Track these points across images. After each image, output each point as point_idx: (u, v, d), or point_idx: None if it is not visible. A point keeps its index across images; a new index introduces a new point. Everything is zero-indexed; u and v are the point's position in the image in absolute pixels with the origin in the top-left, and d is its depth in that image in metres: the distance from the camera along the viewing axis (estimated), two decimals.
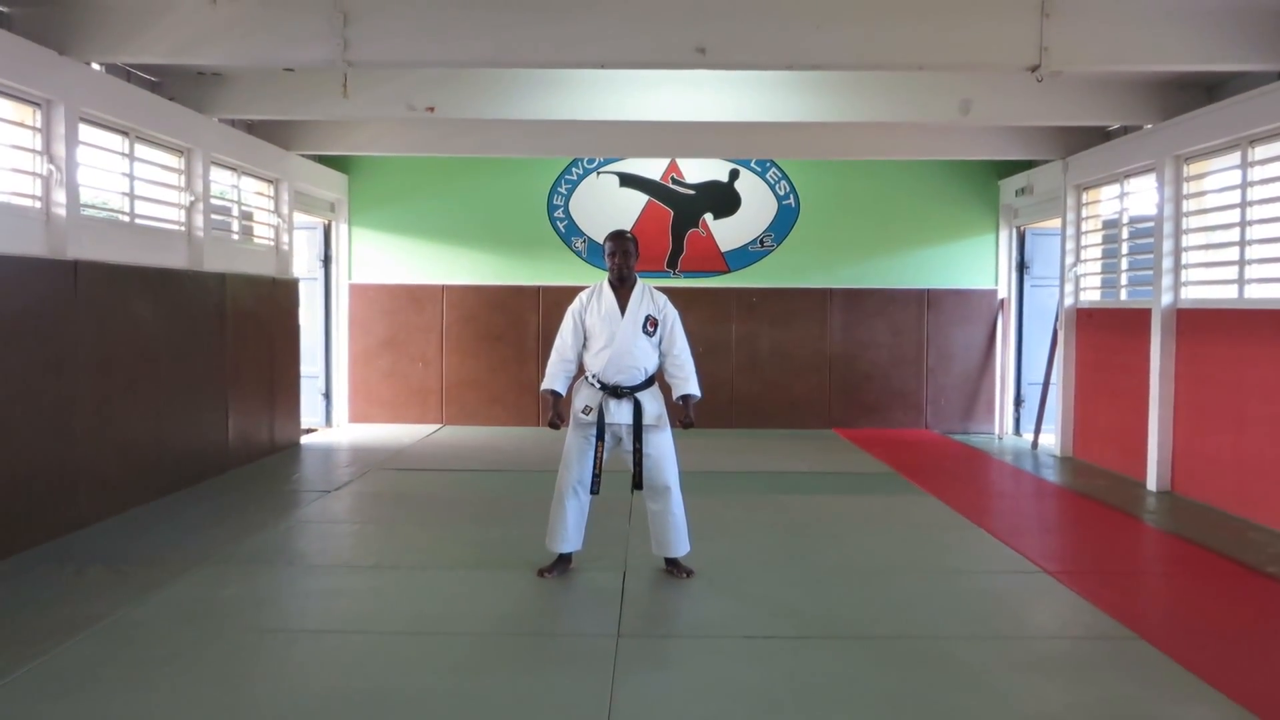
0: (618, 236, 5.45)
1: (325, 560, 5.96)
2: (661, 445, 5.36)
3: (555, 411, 5.45)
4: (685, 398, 5.42)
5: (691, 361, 5.47)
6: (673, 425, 5.46)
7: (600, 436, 5.31)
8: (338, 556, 6.05)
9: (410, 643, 4.48)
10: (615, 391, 5.31)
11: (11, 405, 5.76)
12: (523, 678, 4.07)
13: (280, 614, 5.02)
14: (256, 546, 6.10)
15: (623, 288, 5.41)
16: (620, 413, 5.31)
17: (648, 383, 5.37)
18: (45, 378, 6.08)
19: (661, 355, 5.43)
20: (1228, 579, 5.64)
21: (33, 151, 6.31)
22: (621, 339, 5.29)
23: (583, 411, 5.34)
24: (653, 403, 5.37)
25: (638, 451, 5.31)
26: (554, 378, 5.45)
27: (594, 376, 5.36)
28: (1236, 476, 7.20)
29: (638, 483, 5.38)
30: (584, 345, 5.43)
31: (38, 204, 6.33)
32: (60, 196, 6.39)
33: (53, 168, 6.36)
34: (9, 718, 3.61)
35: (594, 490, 5.39)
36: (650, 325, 5.34)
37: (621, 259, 5.38)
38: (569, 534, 5.40)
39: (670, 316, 5.43)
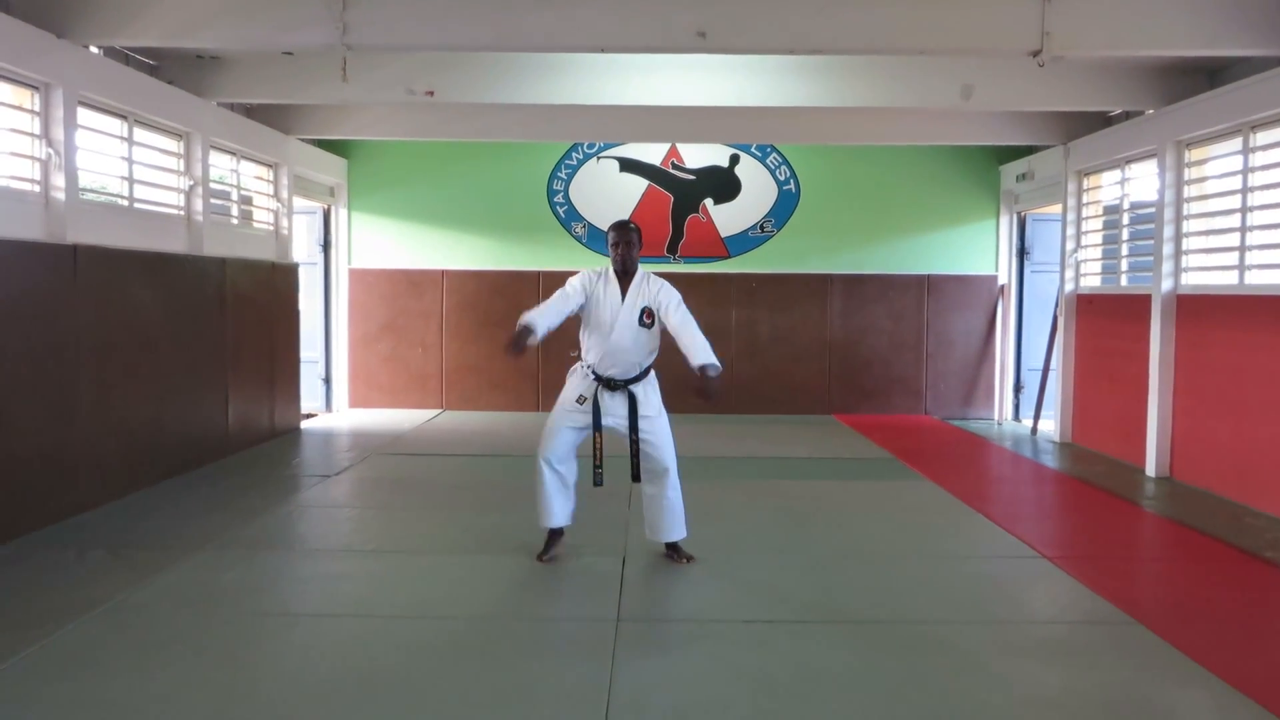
0: (621, 227, 5.38)
1: (325, 545, 5.98)
2: (659, 430, 5.35)
3: (520, 342, 4.99)
4: (702, 368, 5.10)
5: (701, 334, 5.20)
6: (694, 398, 5.20)
7: (598, 427, 5.30)
8: (338, 541, 6.06)
9: (410, 627, 4.49)
10: (609, 384, 5.30)
11: (12, 390, 5.76)
12: (522, 662, 4.08)
13: (280, 598, 5.03)
14: (257, 531, 6.12)
15: (625, 277, 5.37)
16: (615, 405, 5.30)
17: (642, 375, 5.35)
18: (45, 362, 6.08)
19: (674, 337, 5.27)
20: (1225, 564, 5.66)
21: (31, 135, 6.29)
22: (619, 330, 5.25)
23: (577, 401, 5.33)
24: (650, 394, 5.35)
25: (634, 444, 5.31)
26: (539, 317, 5.09)
27: (589, 367, 5.35)
28: (1235, 462, 7.21)
29: (636, 475, 5.39)
30: (582, 321, 5.36)
31: (37, 188, 6.31)
32: (59, 180, 6.37)
33: (51, 151, 6.35)
34: (11, 700, 3.63)
35: (597, 483, 5.37)
36: (647, 317, 5.27)
37: (625, 249, 5.31)
38: (555, 509, 5.39)
39: (665, 301, 5.26)
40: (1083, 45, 6.51)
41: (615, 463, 5.51)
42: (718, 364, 5.12)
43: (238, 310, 8.74)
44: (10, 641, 4.11)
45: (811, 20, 6.41)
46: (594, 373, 5.32)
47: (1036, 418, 10.78)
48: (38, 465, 6.00)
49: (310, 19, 6.35)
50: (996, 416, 11.88)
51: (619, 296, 5.30)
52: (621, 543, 5.80)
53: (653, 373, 5.43)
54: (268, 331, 9.47)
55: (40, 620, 4.36)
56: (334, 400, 11.85)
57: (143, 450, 7.20)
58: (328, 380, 11.84)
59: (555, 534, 5.50)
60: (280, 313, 9.80)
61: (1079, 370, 9.85)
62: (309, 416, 11.08)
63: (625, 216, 11.76)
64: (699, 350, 5.15)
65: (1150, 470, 8.15)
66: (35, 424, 5.98)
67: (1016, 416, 11.72)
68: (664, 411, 5.42)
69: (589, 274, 5.38)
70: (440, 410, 11.86)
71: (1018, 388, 11.77)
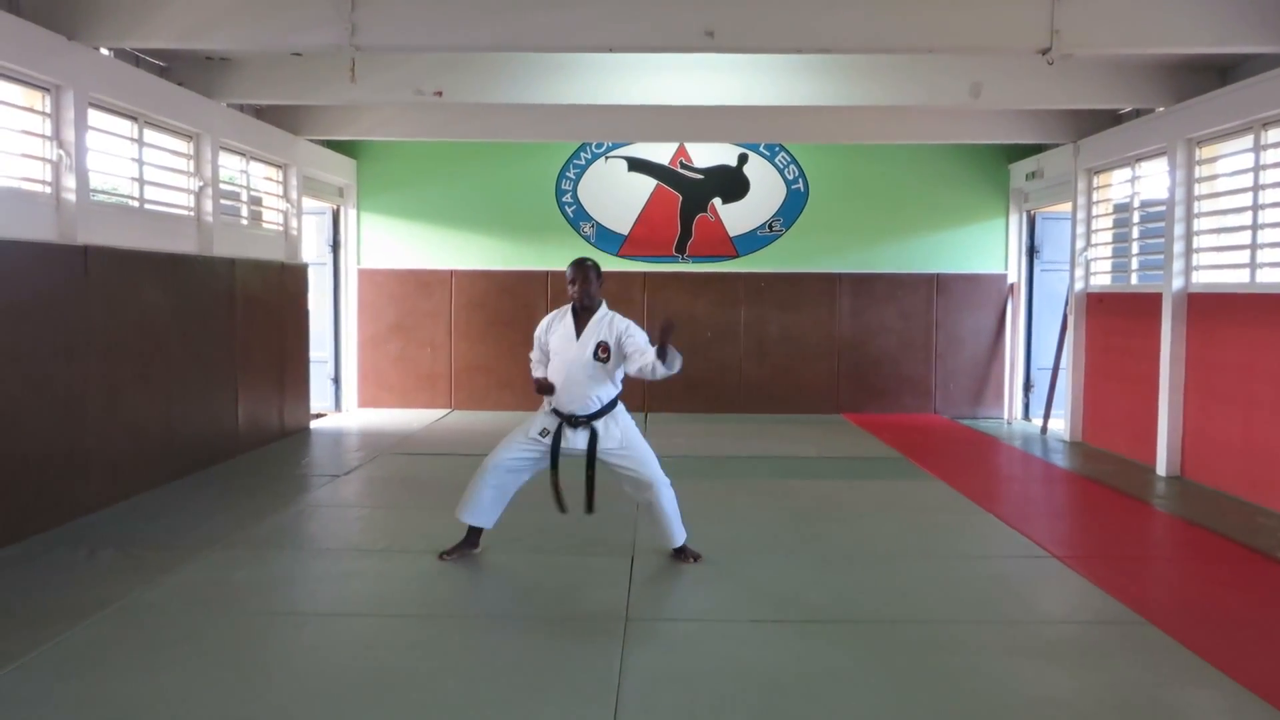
0: (578, 264, 5.35)
1: (335, 544, 5.99)
2: (632, 452, 5.32)
3: (542, 383, 5.33)
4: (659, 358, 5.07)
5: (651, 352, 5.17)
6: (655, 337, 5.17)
7: (554, 466, 5.29)
8: (347, 540, 6.08)
9: (419, 625, 4.51)
10: (571, 420, 5.28)
11: (23, 390, 5.79)
12: (530, 661, 4.09)
13: (290, 597, 5.04)
14: (266, 530, 6.13)
15: (585, 314, 5.34)
16: (577, 439, 5.28)
17: (604, 410, 5.30)
18: (56, 363, 6.10)
19: (627, 364, 5.24)
20: (1237, 564, 5.63)
21: (43, 137, 6.32)
22: (571, 365, 5.25)
23: (540, 434, 5.32)
24: (612, 428, 5.30)
25: (590, 480, 5.30)
26: (537, 368, 5.47)
27: (550, 403, 5.34)
28: (1246, 461, 7.17)
29: (589, 507, 5.37)
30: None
31: (48, 189, 6.34)
32: (70, 182, 6.40)
33: (62, 153, 6.38)
34: (23, 698, 3.64)
35: (561, 510, 5.37)
36: (602, 352, 5.22)
37: (582, 285, 5.28)
38: (479, 510, 5.39)
39: (622, 333, 5.24)
40: (1092, 43, 6.49)
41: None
42: (670, 368, 5.10)
43: (247, 310, 8.76)
44: (22, 640, 4.13)
45: (819, 19, 6.40)
46: (554, 409, 5.32)
47: (1046, 417, 10.75)
48: (49, 465, 6.03)
49: (319, 20, 6.36)
50: (1006, 415, 11.85)
51: (574, 331, 5.29)
52: (630, 541, 5.81)
53: (619, 406, 5.39)
54: (277, 331, 9.49)
55: (51, 619, 4.38)
56: (343, 400, 11.88)
57: (153, 450, 7.22)
58: (337, 380, 11.87)
59: (472, 535, 5.49)
60: (289, 313, 9.83)
61: (1089, 369, 9.82)
62: (318, 416, 11.11)
63: (633, 216, 11.85)
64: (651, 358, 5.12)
65: (1161, 469, 8.12)
66: (46, 424, 6.01)
67: (1026, 415, 11.69)
68: (632, 434, 5.38)
69: (547, 319, 5.46)
70: (449, 410, 11.87)
71: (1027, 386, 11.74)
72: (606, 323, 5.29)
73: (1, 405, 5.61)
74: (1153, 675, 3.98)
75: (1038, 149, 11.03)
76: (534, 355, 5.52)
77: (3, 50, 5.84)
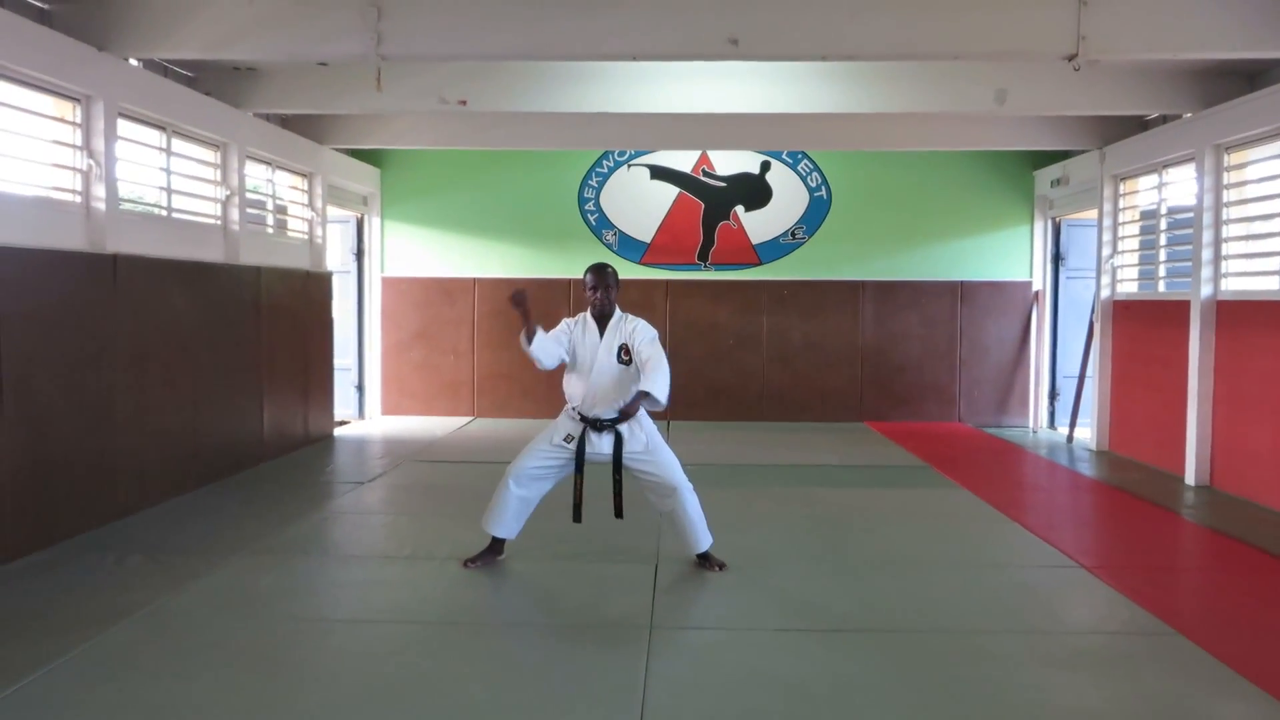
0: (598, 270, 5.39)
1: (360, 551, 6.02)
2: (657, 457, 5.33)
3: (522, 305, 5.17)
4: (643, 392, 5.13)
5: (663, 370, 5.17)
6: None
7: (579, 470, 5.31)
8: (372, 547, 6.10)
9: (444, 633, 4.51)
10: (595, 425, 5.30)
11: (52, 397, 5.85)
12: (555, 669, 4.09)
13: (316, 603, 5.07)
14: (292, 537, 6.17)
15: (603, 320, 5.38)
16: (601, 444, 5.30)
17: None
18: (85, 370, 6.17)
19: (639, 366, 5.26)
20: (1267, 574, 5.56)
21: (73, 147, 6.40)
22: (598, 370, 5.27)
23: (564, 440, 5.33)
24: (637, 431, 5.31)
25: (617, 483, 5.32)
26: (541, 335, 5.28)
27: (574, 408, 5.36)
28: (1277, 471, 7.08)
29: (618, 512, 5.40)
30: (566, 367, 5.40)
31: (78, 199, 6.42)
32: (100, 191, 6.47)
33: (92, 163, 6.45)
34: (51, 703, 3.68)
35: (576, 519, 5.39)
36: (625, 354, 5.26)
37: (603, 293, 5.33)
38: (504, 521, 5.41)
39: (641, 336, 5.29)
40: (1119, 49, 6.45)
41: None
42: (659, 399, 5.13)
43: (273, 318, 8.83)
44: (51, 646, 4.17)
45: (844, 26, 6.40)
46: (580, 414, 5.33)
47: (1072, 425, 10.67)
48: (78, 471, 6.09)
49: (345, 30, 6.42)
50: (1031, 424, 11.76)
51: (597, 337, 5.33)
52: (654, 549, 5.80)
53: (641, 409, 5.38)
54: (302, 339, 9.55)
55: (80, 625, 4.42)
56: (367, 407, 11.94)
57: (180, 457, 7.28)
58: (361, 387, 11.93)
59: (496, 543, 5.50)
60: (314, 321, 9.89)
61: (1116, 377, 9.73)
62: (342, 423, 11.16)
63: (655, 224, 11.86)
64: (649, 377, 5.15)
65: (1189, 479, 8.03)
66: (76, 430, 6.07)
67: (1052, 424, 11.59)
68: (656, 438, 5.39)
69: (568, 323, 5.46)
70: (472, 417, 11.91)
71: (1053, 395, 11.65)
72: (624, 325, 5.35)
73: (32, 411, 5.68)
74: (1182, 686, 3.94)
75: (1063, 155, 10.96)
76: (541, 335, 5.28)
77: (34, 61, 5.92)
